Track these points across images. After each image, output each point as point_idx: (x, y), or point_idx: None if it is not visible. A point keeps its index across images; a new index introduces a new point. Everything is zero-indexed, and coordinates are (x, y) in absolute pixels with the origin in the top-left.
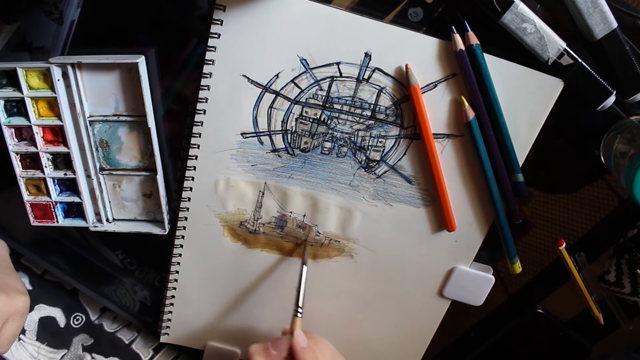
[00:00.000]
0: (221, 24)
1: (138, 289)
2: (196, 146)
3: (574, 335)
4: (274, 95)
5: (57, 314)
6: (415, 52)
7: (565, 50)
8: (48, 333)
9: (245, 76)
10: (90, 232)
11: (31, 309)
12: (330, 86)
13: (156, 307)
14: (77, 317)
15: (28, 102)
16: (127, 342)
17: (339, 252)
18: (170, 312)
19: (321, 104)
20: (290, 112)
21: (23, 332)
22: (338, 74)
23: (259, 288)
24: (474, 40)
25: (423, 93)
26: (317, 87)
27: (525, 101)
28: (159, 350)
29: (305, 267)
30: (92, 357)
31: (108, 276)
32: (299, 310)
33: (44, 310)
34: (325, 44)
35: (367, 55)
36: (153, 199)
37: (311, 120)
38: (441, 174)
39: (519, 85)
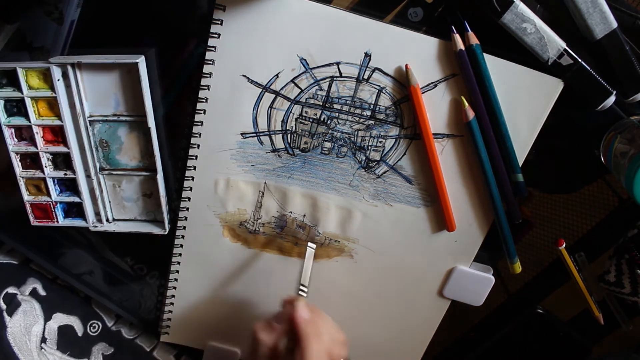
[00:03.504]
0: (221, 24)
1: (137, 287)
2: (196, 146)
3: (574, 335)
4: (274, 95)
5: (75, 322)
6: (415, 52)
7: (565, 50)
8: (68, 342)
9: (245, 76)
10: (92, 233)
11: (49, 318)
12: (330, 86)
13: (156, 307)
14: (94, 325)
15: (28, 102)
16: (148, 350)
17: (339, 252)
18: (171, 311)
19: (321, 104)
20: (290, 112)
21: (44, 341)
22: (338, 74)
23: (259, 288)
24: (473, 40)
25: (423, 93)
26: (317, 87)
27: (525, 101)
28: (180, 356)
29: (311, 246)
30: None
31: (109, 276)
32: (302, 289)
33: (61, 318)
34: (325, 44)
35: (367, 55)
36: (153, 199)
37: (311, 120)
38: (441, 174)
39: (519, 85)
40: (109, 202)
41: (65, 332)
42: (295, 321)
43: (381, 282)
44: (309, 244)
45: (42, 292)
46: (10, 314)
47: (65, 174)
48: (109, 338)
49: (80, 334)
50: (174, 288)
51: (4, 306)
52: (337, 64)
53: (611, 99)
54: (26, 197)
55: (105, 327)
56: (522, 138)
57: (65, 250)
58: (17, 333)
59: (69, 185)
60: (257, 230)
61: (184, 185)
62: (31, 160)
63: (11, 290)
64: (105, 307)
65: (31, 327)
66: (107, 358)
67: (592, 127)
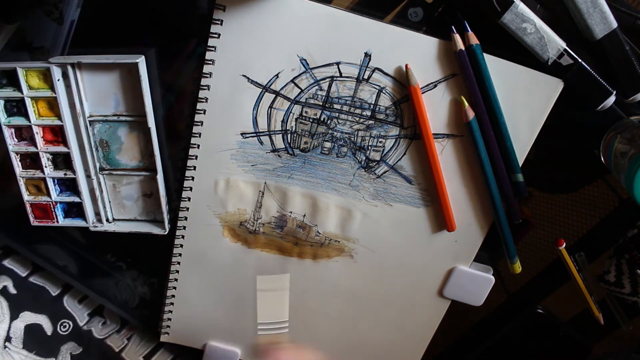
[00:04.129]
0: (221, 24)
1: (138, 285)
2: (196, 146)
3: (574, 335)
4: (274, 95)
5: (44, 321)
6: (415, 52)
7: (565, 50)
8: (35, 341)
9: (245, 76)
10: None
11: (16, 317)
12: (330, 86)
13: (155, 306)
14: (64, 324)
15: (28, 102)
16: (117, 350)
17: (339, 252)
18: (170, 311)
19: (321, 104)
20: (290, 112)
21: (9, 339)
22: (338, 74)
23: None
24: (473, 40)
25: (423, 93)
26: (317, 87)
27: (525, 101)
28: (149, 358)
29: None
30: None
31: (105, 275)
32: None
33: (29, 317)
34: (325, 44)
35: (367, 55)
36: (153, 199)
37: (311, 120)
38: (441, 174)
39: (519, 85)
40: (109, 202)
41: (32, 331)
42: None
43: (381, 282)
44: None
45: (12, 291)
46: None
47: (65, 174)
48: (79, 338)
49: (49, 333)
50: (174, 288)
51: None
52: (337, 64)
53: (611, 99)
54: (26, 197)
55: (77, 327)
56: (522, 138)
57: (55, 243)
58: None
59: (69, 185)
60: (257, 230)
61: (184, 185)
62: (31, 160)
63: None
64: (77, 307)
65: None
66: (75, 358)
67: (592, 127)
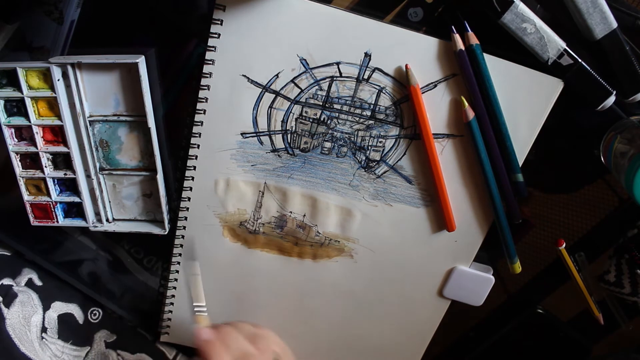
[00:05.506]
0: (221, 24)
1: (139, 285)
2: (196, 146)
3: (574, 335)
4: (274, 95)
5: (75, 310)
6: (415, 52)
7: (565, 50)
8: (69, 331)
9: (245, 76)
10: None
11: (48, 307)
12: (330, 86)
13: (156, 306)
14: (94, 312)
15: (28, 102)
16: (150, 339)
17: (339, 252)
18: (171, 311)
19: (321, 104)
20: (290, 112)
21: (45, 330)
22: (338, 74)
23: (259, 288)
24: (473, 40)
25: (423, 93)
26: (317, 87)
27: (525, 101)
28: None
29: (196, 263)
30: (118, 354)
31: (105, 274)
32: (199, 309)
33: (60, 307)
34: (325, 44)
35: (367, 55)
36: (153, 199)
37: (311, 120)
38: (441, 174)
39: (519, 85)
40: (109, 202)
41: (65, 320)
42: (197, 345)
43: (381, 282)
44: (189, 263)
45: (38, 282)
46: (8, 306)
47: (65, 174)
48: (111, 325)
49: (81, 321)
50: (174, 288)
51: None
52: (337, 64)
53: (611, 99)
54: (26, 197)
55: (106, 314)
56: (522, 138)
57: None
58: (17, 324)
59: (69, 185)
60: (257, 230)
61: (184, 185)
62: (31, 160)
63: (6, 282)
64: (105, 293)
65: (30, 317)
66: (110, 345)
67: (592, 127)
